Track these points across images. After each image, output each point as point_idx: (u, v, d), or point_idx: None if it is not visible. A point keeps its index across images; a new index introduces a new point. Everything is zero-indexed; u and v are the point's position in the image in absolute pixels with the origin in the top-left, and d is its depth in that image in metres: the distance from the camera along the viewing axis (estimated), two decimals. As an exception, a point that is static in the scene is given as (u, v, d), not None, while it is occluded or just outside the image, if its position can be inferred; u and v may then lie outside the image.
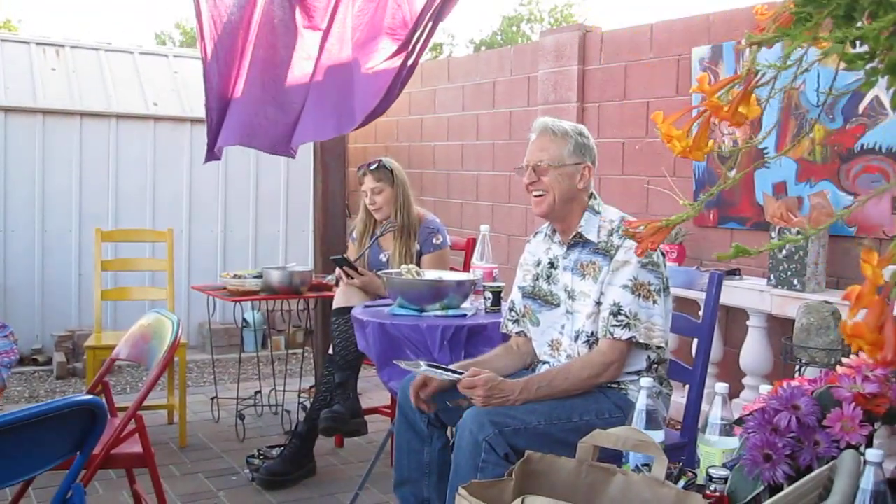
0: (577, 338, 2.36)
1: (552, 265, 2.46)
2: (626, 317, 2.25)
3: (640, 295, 2.26)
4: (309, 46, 3.71)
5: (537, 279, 2.49)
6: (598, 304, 2.31)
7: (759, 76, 0.99)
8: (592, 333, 2.32)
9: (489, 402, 2.17)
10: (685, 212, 1.01)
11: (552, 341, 2.44)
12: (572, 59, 4.75)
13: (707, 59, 3.98)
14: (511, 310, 2.58)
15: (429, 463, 2.41)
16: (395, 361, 2.57)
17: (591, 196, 2.43)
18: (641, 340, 2.25)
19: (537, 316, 2.47)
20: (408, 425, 2.43)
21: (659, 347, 2.31)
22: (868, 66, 0.83)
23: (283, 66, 3.69)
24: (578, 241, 2.40)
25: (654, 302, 2.27)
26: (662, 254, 2.38)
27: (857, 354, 1.50)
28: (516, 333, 2.56)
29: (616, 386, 2.33)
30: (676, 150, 1.03)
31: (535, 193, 2.39)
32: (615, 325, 2.25)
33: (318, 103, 3.65)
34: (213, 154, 3.80)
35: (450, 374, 2.27)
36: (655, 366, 2.35)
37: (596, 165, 2.44)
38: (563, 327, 2.41)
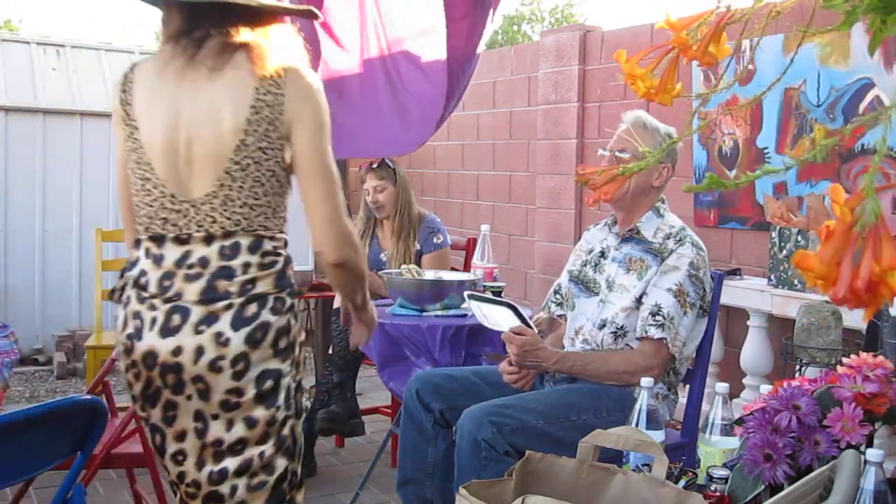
0: (602, 326, 2.37)
1: (602, 254, 2.49)
2: (664, 318, 2.27)
3: (679, 301, 2.28)
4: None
5: (585, 265, 2.53)
6: (640, 301, 2.32)
7: (730, 13, 0.95)
8: (622, 327, 2.34)
9: (523, 360, 2.23)
10: (645, 160, 0.98)
11: (579, 328, 2.45)
12: (573, 58, 4.74)
13: (707, 58, 3.97)
14: (556, 292, 2.62)
15: (433, 463, 2.40)
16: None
17: (660, 199, 2.45)
18: (668, 344, 2.27)
19: (575, 301, 2.50)
20: (413, 425, 2.43)
21: (672, 357, 2.32)
22: (848, 4, 0.76)
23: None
24: (633, 237, 2.42)
25: (685, 313, 2.29)
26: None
27: (857, 354, 1.50)
28: (557, 316, 2.60)
29: (623, 383, 2.35)
30: (640, 92, 0.98)
31: None
32: (651, 324, 2.27)
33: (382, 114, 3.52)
34: None
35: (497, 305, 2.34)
36: (668, 371, 2.36)
37: (674, 170, 2.46)
38: (591, 314, 2.43)
